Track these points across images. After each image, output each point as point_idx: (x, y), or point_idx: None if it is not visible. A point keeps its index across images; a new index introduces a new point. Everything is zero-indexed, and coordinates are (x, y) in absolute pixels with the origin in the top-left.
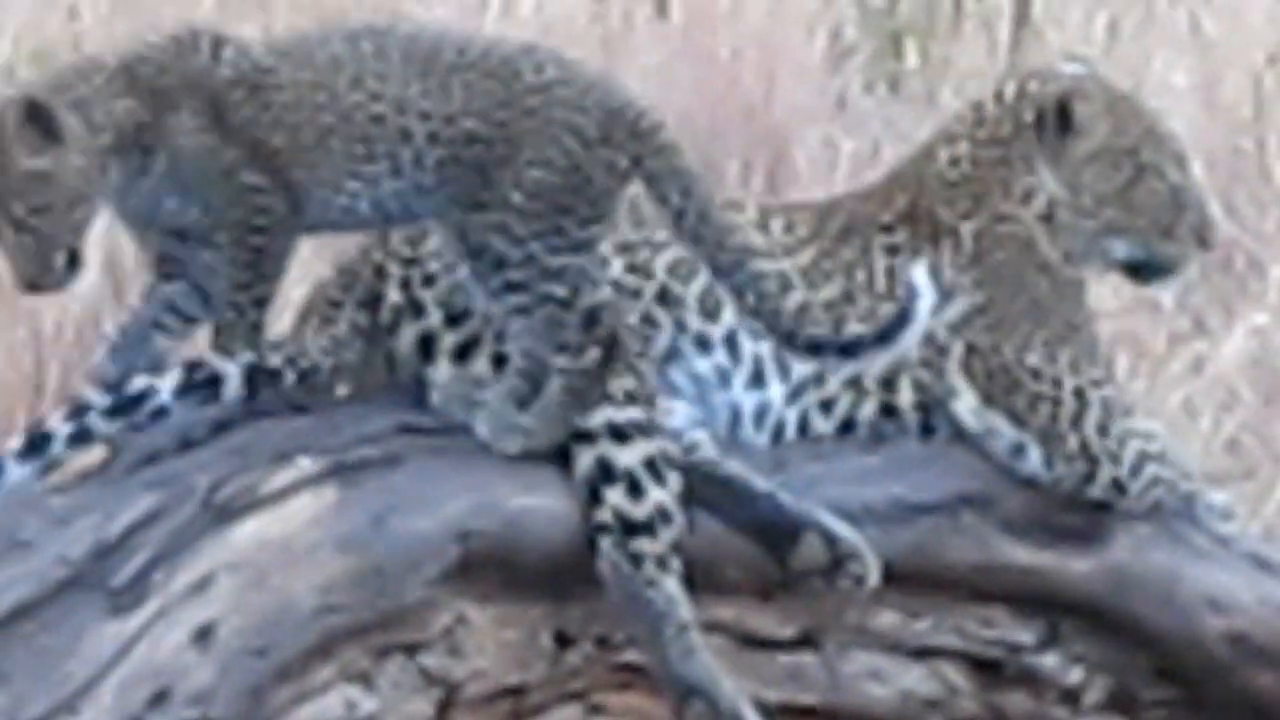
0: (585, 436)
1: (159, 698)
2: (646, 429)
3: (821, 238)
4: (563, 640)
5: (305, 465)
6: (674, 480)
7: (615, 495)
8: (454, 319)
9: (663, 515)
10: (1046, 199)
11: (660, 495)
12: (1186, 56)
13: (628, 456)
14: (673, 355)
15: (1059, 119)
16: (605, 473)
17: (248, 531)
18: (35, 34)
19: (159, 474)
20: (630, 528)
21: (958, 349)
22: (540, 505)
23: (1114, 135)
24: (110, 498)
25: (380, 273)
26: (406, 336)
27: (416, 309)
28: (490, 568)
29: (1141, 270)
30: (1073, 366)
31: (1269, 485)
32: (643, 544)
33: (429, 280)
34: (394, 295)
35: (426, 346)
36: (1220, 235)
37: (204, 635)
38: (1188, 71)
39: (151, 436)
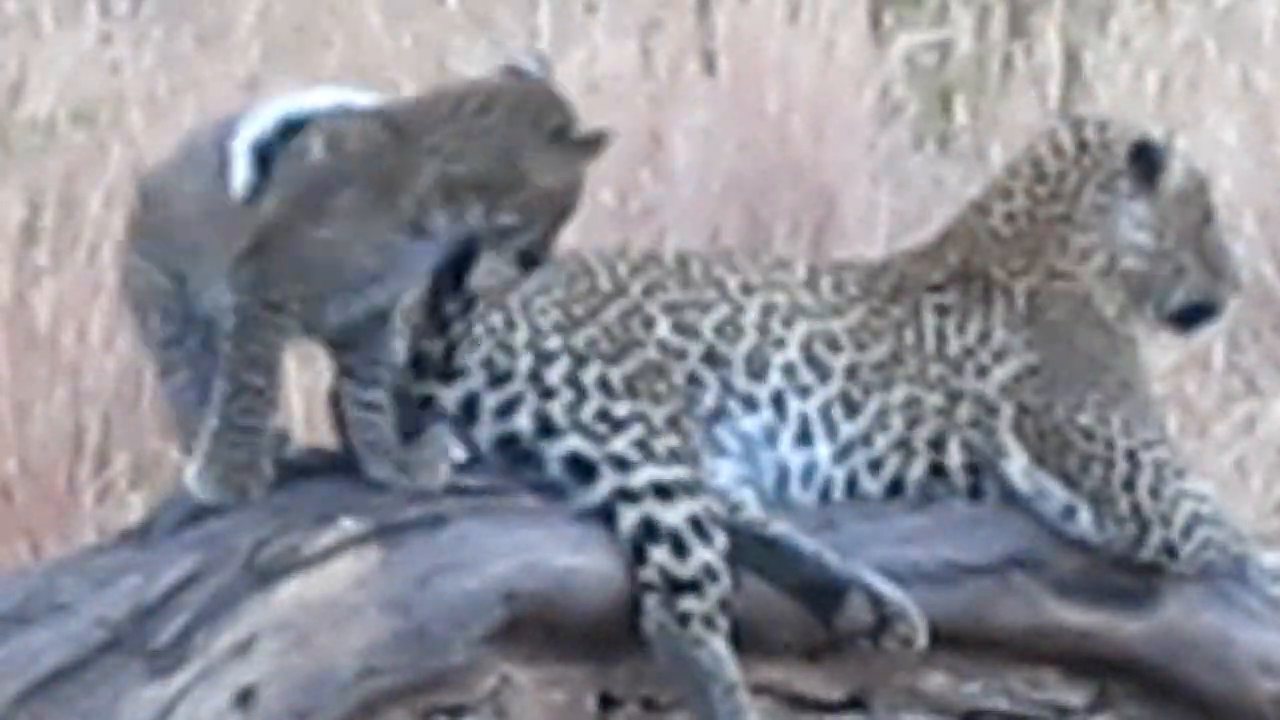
0: (630, 495)
1: None
2: (691, 488)
3: (871, 297)
4: (608, 702)
5: (348, 526)
6: (720, 539)
7: (661, 554)
8: (497, 380)
9: (709, 574)
10: (1109, 254)
11: (706, 554)
12: (1238, 112)
13: (673, 515)
14: (719, 414)
15: (1147, 160)
16: (650, 531)
17: (290, 593)
18: (77, 91)
19: (200, 535)
20: (676, 586)
21: (1008, 409)
22: (586, 565)
23: (1186, 175)
24: (151, 558)
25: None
26: (450, 398)
27: (460, 371)
28: (536, 628)
29: (1192, 318)
30: (1125, 428)
31: None
32: (689, 603)
33: (473, 343)
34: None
35: (470, 409)
36: (1272, 291)
37: (245, 698)
38: (1239, 127)
39: (192, 497)
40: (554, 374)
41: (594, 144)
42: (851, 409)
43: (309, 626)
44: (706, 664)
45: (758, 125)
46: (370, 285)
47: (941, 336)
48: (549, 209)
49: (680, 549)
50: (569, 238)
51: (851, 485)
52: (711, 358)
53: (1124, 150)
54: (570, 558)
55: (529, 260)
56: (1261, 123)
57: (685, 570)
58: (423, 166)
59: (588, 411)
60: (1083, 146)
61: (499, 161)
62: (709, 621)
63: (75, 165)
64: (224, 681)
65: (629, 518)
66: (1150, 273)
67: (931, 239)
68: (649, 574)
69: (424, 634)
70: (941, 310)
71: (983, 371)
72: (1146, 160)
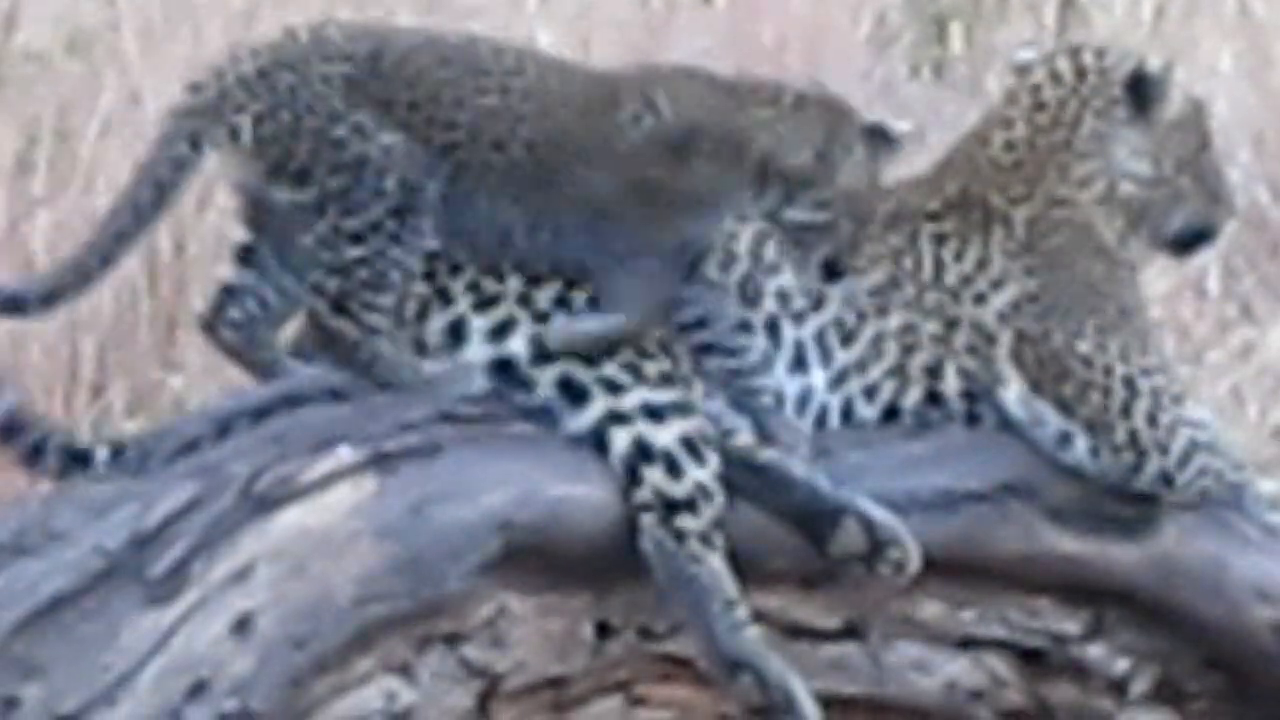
0: (621, 417)
1: (197, 688)
2: (683, 409)
3: (868, 225)
4: (604, 631)
5: (344, 454)
6: (712, 458)
7: (655, 474)
8: (483, 304)
9: (703, 493)
10: (1108, 181)
11: (700, 473)
12: (1234, 39)
13: (665, 436)
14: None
15: (1144, 89)
16: (643, 453)
17: (287, 521)
18: (71, 21)
19: (197, 463)
20: (672, 506)
21: (1007, 336)
22: (582, 494)
23: (1183, 102)
24: (148, 487)
25: None
26: (436, 324)
27: (445, 298)
28: (532, 558)
29: (1190, 241)
30: (1123, 354)
31: None
32: (685, 521)
33: (455, 269)
34: (419, 287)
35: (457, 332)
36: (1267, 217)
37: (243, 626)
38: (1235, 54)
39: (190, 425)
40: (544, 297)
41: (895, 143)
42: (846, 336)
43: (306, 554)
44: (705, 580)
45: (754, 54)
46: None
47: (939, 264)
48: (848, 211)
49: (674, 468)
50: None
51: (847, 412)
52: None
53: (1121, 78)
54: (564, 487)
55: (833, 270)
56: (1257, 50)
57: (679, 489)
58: (756, 138)
59: None
60: (1081, 74)
61: (814, 154)
62: (705, 539)
63: (70, 96)
64: (221, 609)
65: (621, 439)
66: (1148, 198)
67: (932, 167)
68: (643, 494)
69: (420, 563)
70: (939, 238)
71: (981, 298)
72: (1144, 88)
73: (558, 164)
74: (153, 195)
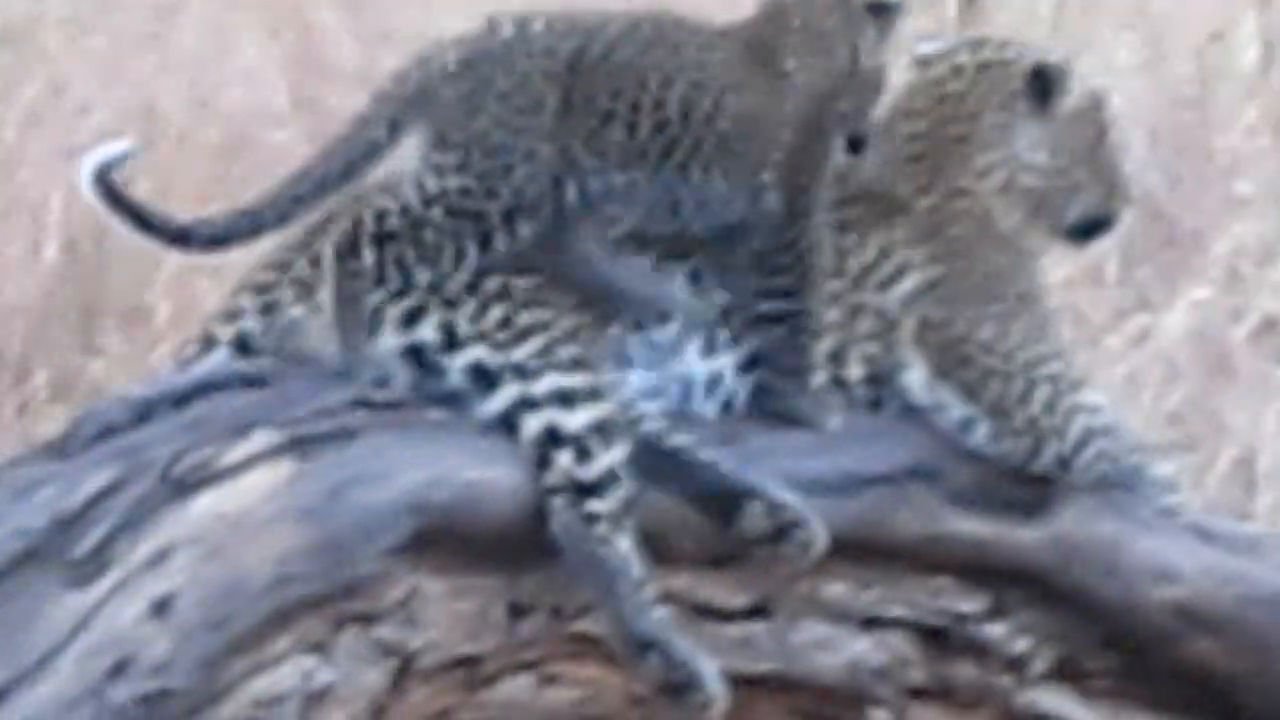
0: (532, 403)
1: (118, 668)
2: (593, 394)
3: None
4: (516, 611)
5: (262, 439)
6: (622, 443)
7: (564, 458)
8: (399, 292)
9: (613, 477)
10: (1008, 171)
11: (609, 458)
12: (1132, 33)
13: (575, 421)
14: (630, 326)
15: (1045, 83)
16: (553, 437)
17: (205, 504)
18: (3, 13)
19: (118, 447)
20: (582, 489)
21: (909, 323)
22: (493, 478)
23: (1082, 95)
24: (70, 470)
25: (316, 260)
26: None
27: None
28: (445, 539)
29: (1088, 231)
30: (1024, 342)
31: (1211, 457)
32: (594, 504)
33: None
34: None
35: (372, 320)
36: (1163, 208)
37: (162, 607)
38: (1133, 48)
39: (110, 409)
40: (454, 284)
41: (897, 12)
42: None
43: (224, 537)
44: (613, 562)
45: None
46: None
47: (842, 252)
48: (871, 89)
49: (583, 453)
50: None
51: (754, 398)
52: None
53: (1023, 72)
54: (477, 471)
55: (857, 143)
56: (1153, 44)
57: (589, 473)
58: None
59: (490, 320)
60: (983, 68)
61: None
62: (614, 522)
63: None
64: (141, 591)
65: (532, 425)
66: (1047, 189)
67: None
68: (554, 478)
69: (335, 545)
70: (842, 226)
71: (884, 286)
72: (1045, 82)
73: (756, 132)
74: (341, 170)
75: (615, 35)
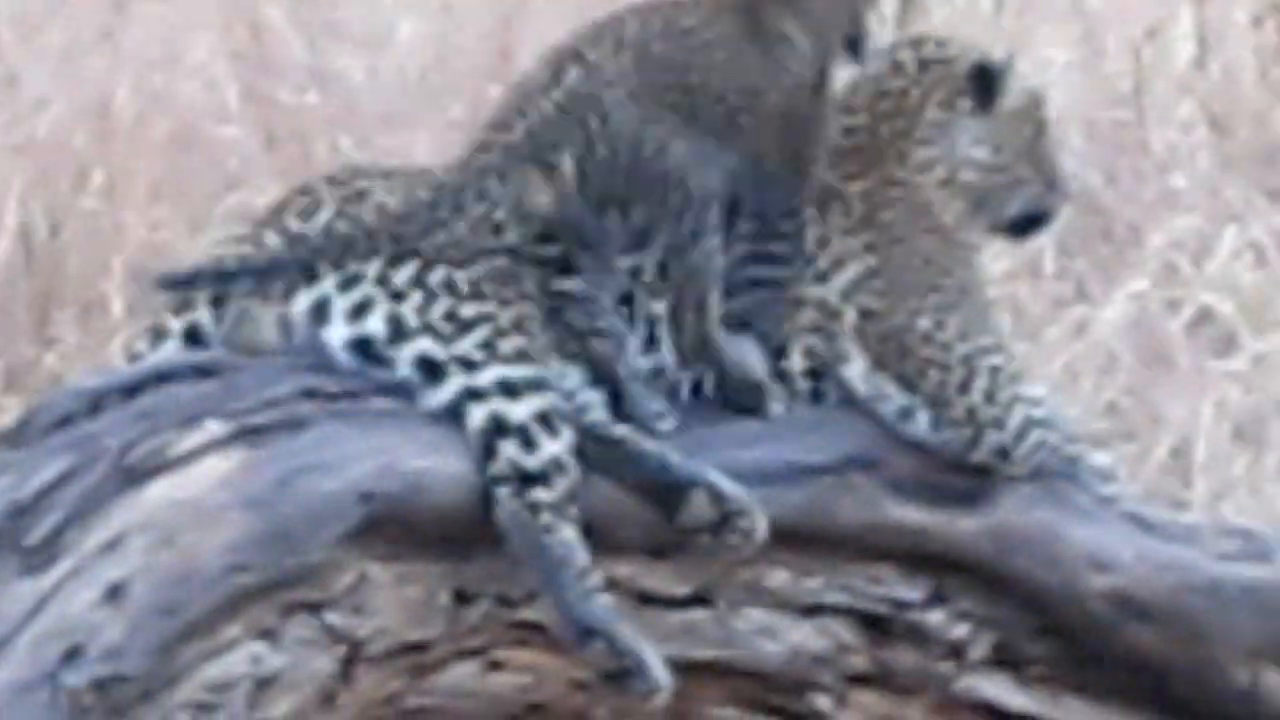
0: (477, 394)
1: (72, 654)
2: (537, 385)
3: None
4: (462, 598)
5: (213, 428)
6: (566, 433)
7: (509, 448)
8: (346, 284)
9: (557, 466)
10: (949, 166)
11: (553, 447)
12: (1069, 30)
13: (520, 411)
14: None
15: (986, 81)
16: (498, 427)
17: (157, 492)
18: None
19: (71, 437)
20: (526, 478)
21: (850, 314)
22: (440, 467)
23: (1021, 93)
24: (24, 459)
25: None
26: (301, 304)
27: (309, 277)
28: (392, 528)
29: (1027, 225)
30: (963, 333)
31: (1148, 447)
32: (539, 493)
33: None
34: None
35: (321, 312)
36: (1101, 202)
37: (115, 593)
38: (1070, 45)
39: (64, 399)
40: (401, 277)
41: None
42: None
43: (176, 525)
44: (558, 550)
45: None
46: None
47: None
48: None
49: (528, 443)
50: (420, 152)
51: (697, 390)
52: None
53: (965, 70)
54: (424, 459)
55: (855, 44)
56: (1089, 41)
57: (534, 462)
58: None
59: (436, 313)
60: (924, 66)
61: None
62: (559, 510)
63: None
64: (95, 577)
65: (477, 415)
66: (988, 184)
67: None
68: (499, 467)
69: (285, 533)
70: None
71: (823, 277)
72: (986, 80)
73: (757, 100)
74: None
75: (649, 34)
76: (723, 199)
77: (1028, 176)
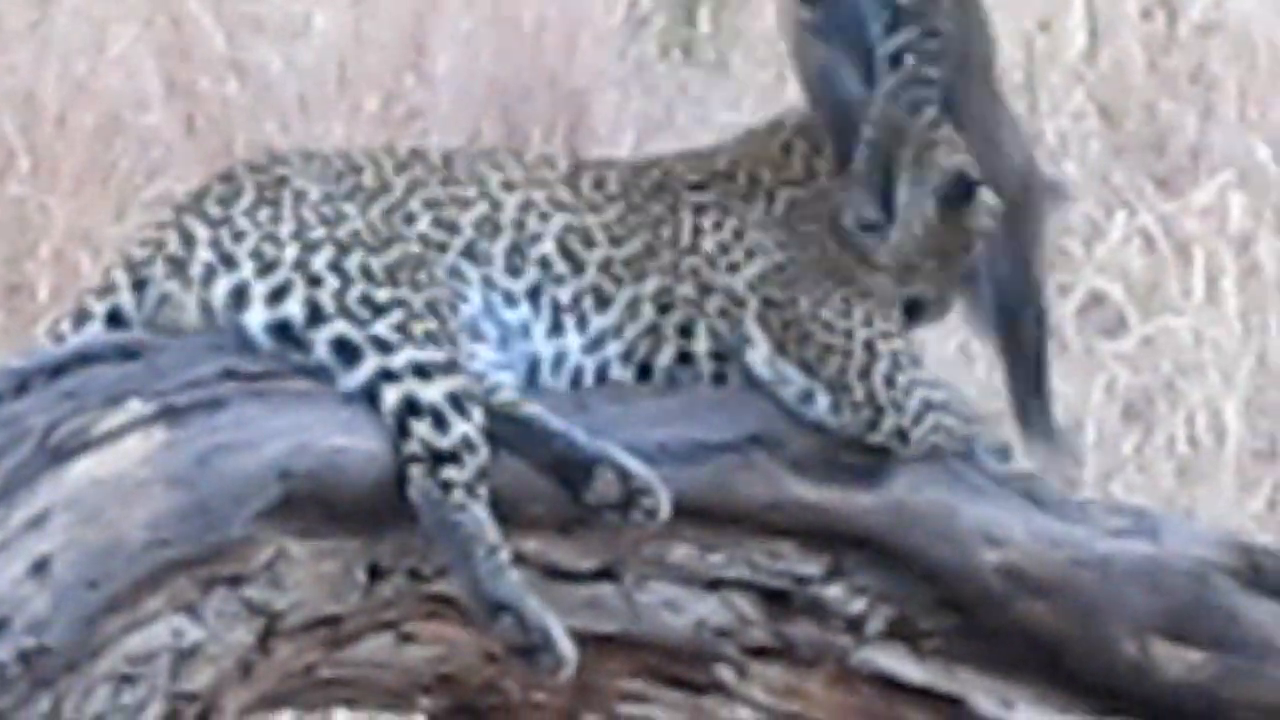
0: (391, 375)
1: None
2: (448, 367)
3: (631, 193)
4: (376, 573)
5: (135, 407)
6: (477, 414)
7: (422, 428)
8: (264, 269)
9: (468, 445)
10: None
11: (464, 427)
12: None
13: (432, 392)
14: (482, 308)
15: (959, 188)
16: (412, 408)
17: (81, 470)
18: None
19: None
20: (438, 457)
21: (755, 302)
22: (355, 445)
23: (982, 212)
24: None
25: (188, 237)
26: (221, 288)
27: (229, 263)
28: (309, 504)
29: (911, 307)
30: (865, 320)
31: None
32: (450, 472)
33: (239, 236)
34: (205, 254)
35: (240, 297)
36: None
37: (40, 568)
38: None
39: None
40: (319, 262)
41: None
42: (603, 301)
43: (99, 501)
44: (469, 527)
45: (515, 34)
46: None
47: (698, 232)
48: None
49: (440, 423)
50: (337, 140)
51: (602, 374)
52: (472, 253)
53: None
54: (340, 438)
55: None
56: None
57: (445, 442)
58: None
59: (352, 297)
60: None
61: None
62: (469, 489)
63: None
64: (21, 553)
65: (391, 396)
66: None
67: (707, 145)
68: (412, 447)
69: (206, 509)
70: (699, 208)
71: (734, 267)
72: (960, 188)
73: None
74: None
75: None
76: None
77: (928, 273)
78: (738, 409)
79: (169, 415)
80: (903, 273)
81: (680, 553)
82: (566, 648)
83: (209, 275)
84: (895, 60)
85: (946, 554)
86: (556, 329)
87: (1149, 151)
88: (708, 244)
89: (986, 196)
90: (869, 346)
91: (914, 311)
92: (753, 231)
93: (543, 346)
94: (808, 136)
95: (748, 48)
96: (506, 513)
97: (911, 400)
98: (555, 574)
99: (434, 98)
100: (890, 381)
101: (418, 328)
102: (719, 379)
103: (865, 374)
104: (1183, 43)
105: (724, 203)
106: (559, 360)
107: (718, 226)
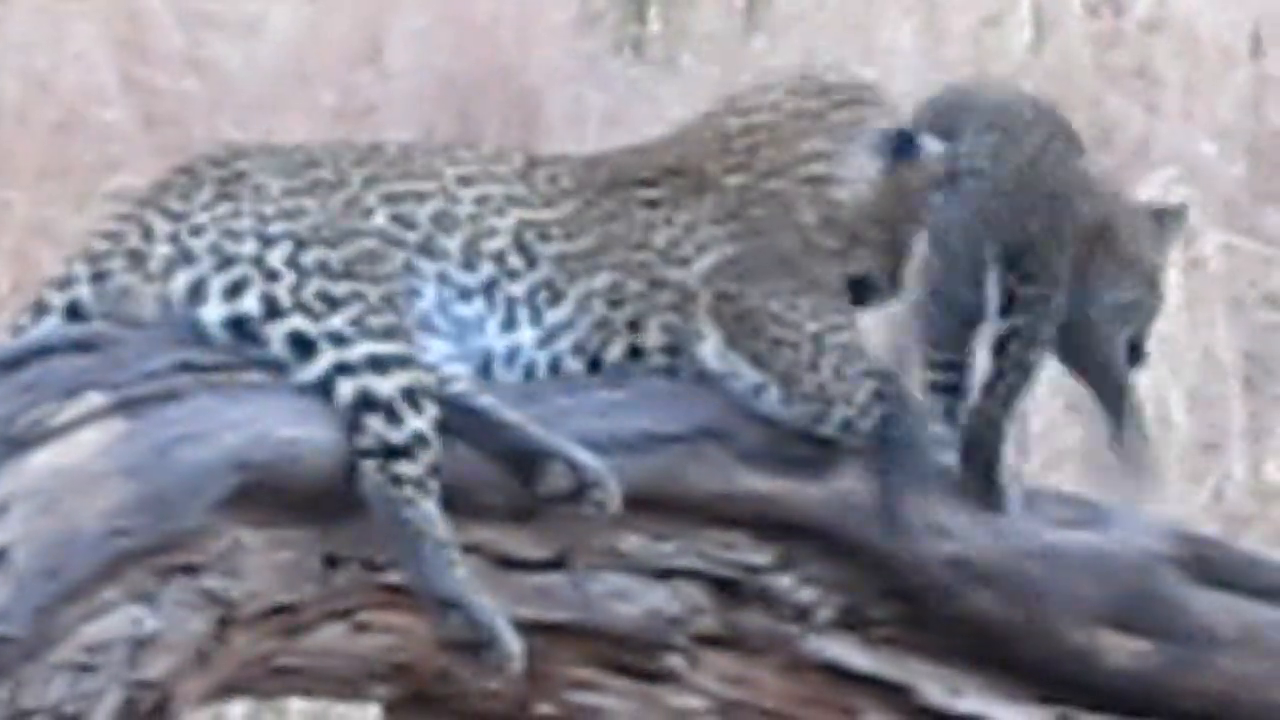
0: (347, 368)
1: None
2: (404, 361)
3: (585, 189)
4: (331, 562)
5: (93, 399)
6: (431, 409)
7: (376, 422)
8: (222, 264)
9: (421, 440)
10: (827, 172)
11: (418, 422)
12: (912, 18)
13: (387, 386)
14: (437, 302)
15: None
16: (366, 402)
17: (40, 461)
18: None
19: None
20: (391, 452)
21: (706, 296)
22: (310, 436)
23: (925, 170)
24: None
25: (148, 231)
26: (179, 282)
27: (188, 258)
28: (265, 495)
29: (856, 286)
30: (814, 313)
31: None
32: (402, 467)
33: (197, 231)
34: (164, 248)
35: (198, 291)
36: None
37: (0, 558)
38: (913, 32)
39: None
40: (276, 257)
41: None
42: (556, 296)
43: (58, 492)
44: (419, 522)
45: (470, 31)
46: None
47: (649, 227)
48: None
49: (394, 417)
50: (294, 135)
51: (555, 368)
52: (428, 249)
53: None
54: (295, 429)
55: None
56: (932, 29)
57: (398, 436)
58: None
59: (308, 292)
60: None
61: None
62: (420, 484)
63: None
64: None
65: (346, 389)
66: (849, 220)
67: (656, 139)
68: (366, 441)
69: (163, 499)
70: (651, 204)
71: (685, 262)
72: (903, 143)
73: None
74: None
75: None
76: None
77: (877, 245)
78: (689, 401)
79: (127, 407)
80: (850, 245)
81: (631, 542)
82: (513, 644)
83: (168, 269)
84: (1001, 347)
85: (894, 544)
86: (510, 324)
87: (1094, 146)
88: (659, 239)
89: (932, 146)
90: (818, 340)
91: (863, 294)
92: (705, 226)
93: (496, 341)
94: (741, 116)
95: (695, 44)
96: (459, 501)
97: (860, 392)
98: (507, 563)
99: (390, 93)
100: (839, 374)
101: (374, 321)
102: (670, 373)
103: (814, 367)
104: (1128, 38)
105: (675, 198)
106: (512, 355)
107: (668, 221)
